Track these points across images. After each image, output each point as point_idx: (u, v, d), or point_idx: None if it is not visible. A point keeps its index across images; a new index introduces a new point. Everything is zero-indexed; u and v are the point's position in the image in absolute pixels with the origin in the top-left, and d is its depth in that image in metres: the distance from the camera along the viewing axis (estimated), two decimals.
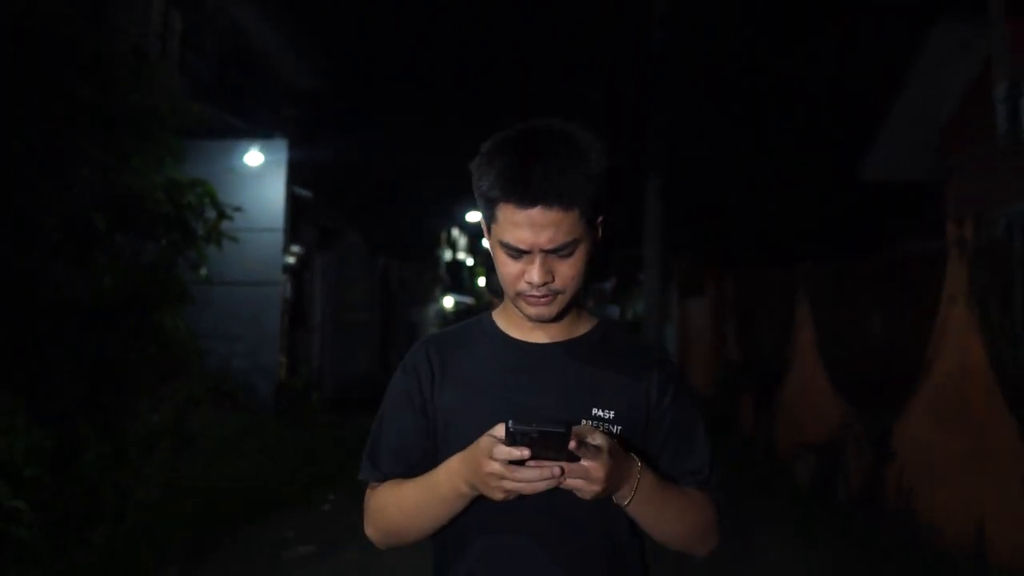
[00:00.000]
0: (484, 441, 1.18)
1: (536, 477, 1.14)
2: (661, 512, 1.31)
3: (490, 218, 1.28)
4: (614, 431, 1.30)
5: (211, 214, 6.92)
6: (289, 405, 8.94)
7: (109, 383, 6.09)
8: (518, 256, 1.25)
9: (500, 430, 1.16)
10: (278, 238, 9.07)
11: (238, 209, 6.96)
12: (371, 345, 14.80)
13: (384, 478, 1.38)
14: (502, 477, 1.15)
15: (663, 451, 1.36)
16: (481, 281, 33.41)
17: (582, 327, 1.40)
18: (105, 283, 6.24)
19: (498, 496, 1.18)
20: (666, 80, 13.78)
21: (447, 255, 26.87)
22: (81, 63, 5.82)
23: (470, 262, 32.76)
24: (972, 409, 4.61)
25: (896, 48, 10.13)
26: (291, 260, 9.96)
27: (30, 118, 5.47)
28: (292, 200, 9.33)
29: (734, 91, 13.23)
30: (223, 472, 6.30)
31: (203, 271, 7.12)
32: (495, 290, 3.07)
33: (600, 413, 1.32)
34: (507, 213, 1.23)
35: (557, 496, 1.21)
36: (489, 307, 3.55)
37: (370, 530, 1.42)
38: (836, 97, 12.78)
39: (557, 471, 1.13)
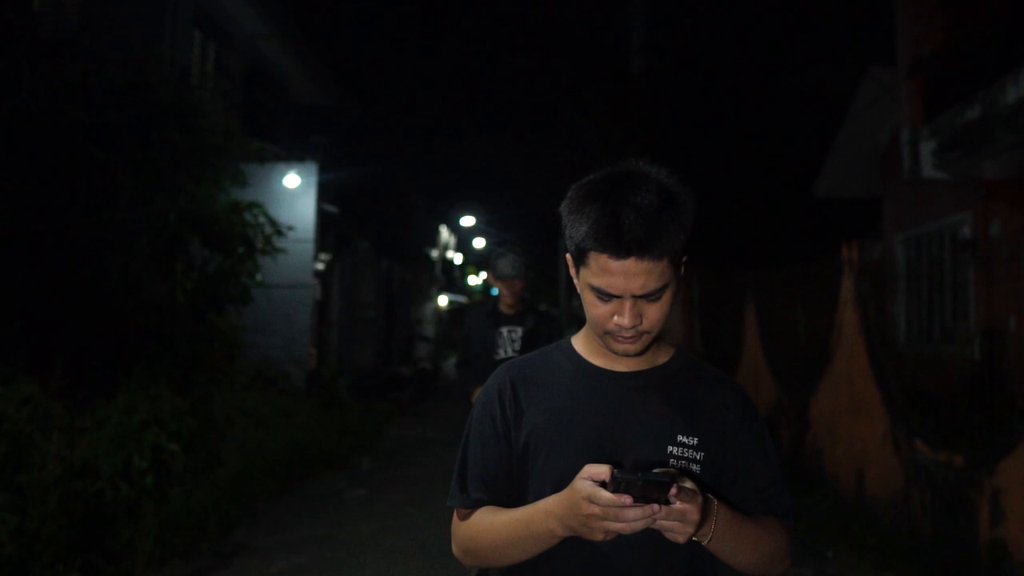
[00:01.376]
0: (583, 486, 1.19)
1: (638, 516, 1.15)
2: (738, 544, 1.32)
3: (580, 262, 1.31)
4: (698, 457, 1.34)
5: (266, 230, 8.47)
6: (319, 391, 10.48)
7: (190, 369, 7.64)
8: (608, 300, 1.29)
9: (595, 472, 1.19)
10: (309, 248, 10.61)
11: (291, 228, 8.52)
12: (377, 339, 16.36)
13: (473, 504, 1.40)
14: (604, 519, 1.16)
15: (738, 476, 1.38)
16: (471, 279, 34.88)
17: (662, 356, 1.44)
18: (186, 287, 7.78)
19: (598, 537, 1.19)
20: (645, 103, 15.39)
21: (439, 255, 28.36)
22: (175, 115, 7.37)
23: (458, 260, 34.03)
24: (855, 387, 6.24)
25: (845, 82, 11.78)
26: (320, 266, 11.51)
27: (141, 162, 7.01)
28: (320, 215, 10.87)
29: (704, 116, 14.85)
30: (278, 441, 7.84)
31: (258, 277, 8.65)
32: (501, 275, 3.89)
33: (685, 440, 1.34)
34: (600, 261, 1.26)
35: (640, 539, 1.24)
36: (486, 300, 4.58)
37: (459, 554, 1.44)
38: (794, 123, 14.40)
39: (658, 508, 1.15)
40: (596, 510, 1.16)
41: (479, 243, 31.73)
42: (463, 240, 32.15)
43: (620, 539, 1.24)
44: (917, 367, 8.86)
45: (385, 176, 17.75)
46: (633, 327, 1.29)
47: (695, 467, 1.33)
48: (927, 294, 10.22)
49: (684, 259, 1.33)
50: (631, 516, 1.15)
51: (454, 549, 1.43)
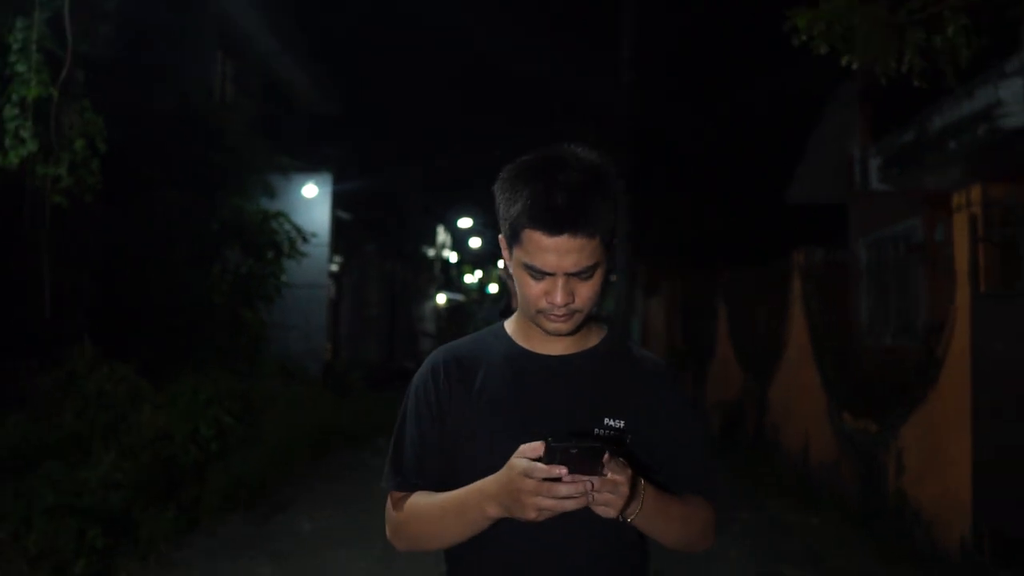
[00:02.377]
0: (517, 462, 1.20)
1: (572, 492, 1.15)
2: (665, 522, 1.34)
3: (514, 240, 1.32)
4: (626, 440, 1.34)
5: (292, 236, 9.54)
6: (334, 381, 11.55)
7: (225, 359, 8.70)
8: (541, 278, 1.30)
9: (531, 450, 1.18)
10: (325, 251, 11.68)
11: (314, 234, 9.59)
12: (382, 335, 17.43)
13: (408, 488, 1.41)
14: (537, 494, 1.16)
15: (667, 457, 1.39)
16: (467, 278, 35.91)
17: (593, 339, 1.44)
18: (222, 288, 8.84)
19: (531, 515, 1.19)
20: (632, 115, 16.47)
21: (436, 254, 29.37)
22: (216, 136, 8.43)
23: (453, 258, 34.84)
24: (802, 372, 7.35)
25: (815, 97, 12.83)
26: (334, 268, 12.58)
27: (185, 179, 8.07)
28: (334, 220, 11.94)
29: (687, 129, 15.95)
30: (307, 422, 8.90)
31: (284, 278, 9.73)
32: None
33: (612, 422, 1.35)
34: (534, 239, 1.28)
35: (567, 519, 1.24)
36: (498, 297, 5.32)
37: (391, 537, 1.45)
38: (769, 134, 15.49)
39: (591, 486, 1.15)
40: (530, 484, 1.17)
41: (475, 243, 32.71)
42: (458, 240, 33.06)
43: (552, 533, 1.28)
44: (879, 356, 9.96)
45: (387, 179, 18.79)
46: (565, 305, 1.30)
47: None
48: (886, 292, 11.32)
49: (614, 240, 1.35)
50: (562, 492, 1.15)
51: (388, 535, 1.44)
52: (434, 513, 1.36)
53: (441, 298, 26.53)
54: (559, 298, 1.29)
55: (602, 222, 1.28)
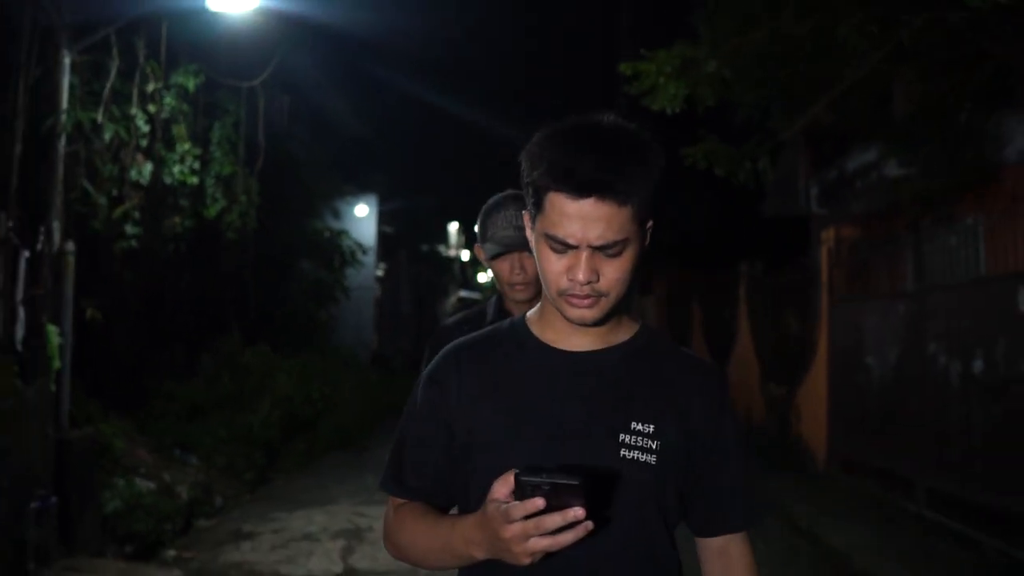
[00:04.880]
0: (494, 511, 1.07)
1: (559, 523, 1.02)
2: None
3: (537, 208, 1.18)
4: (653, 446, 1.21)
5: (352, 248, 12.06)
6: (380, 366, 14.08)
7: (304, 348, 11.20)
8: (563, 251, 1.16)
9: (504, 484, 1.07)
10: (372, 259, 14.20)
11: (370, 247, 12.12)
12: (410, 329, 19.98)
13: (407, 495, 1.30)
14: (526, 538, 1.04)
15: (702, 468, 1.26)
16: (481, 277, 38.34)
17: (623, 333, 1.28)
18: (302, 290, 11.37)
19: (524, 561, 1.07)
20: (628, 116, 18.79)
21: (452, 253, 31.83)
22: (299, 170, 10.93)
23: (465, 257, 36.95)
24: (746, 358, 9.80)
25: None
26: (380, 274, 15.13)
27: (277, 206, 10.57)
28: (380, 234, 14.48)
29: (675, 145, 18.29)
30: (369, 394, 11.39)
31: (345, 283, 12.26)
32: (501, 243, 2.08)
33: (639, 427, 1.21)
34: (557, 204, 1.14)
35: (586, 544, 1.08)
36: (480, 309, 3.91)
37: (384, 540, 1.35)
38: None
39: (581, 513, 1.02)
40: (516, 529, 1.04)
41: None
42: (473, 240, 35.09)
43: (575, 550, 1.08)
44: None
45: (416, 194, 21.28)
46: (589, 283, 1.15)
47: (650, 457, 1.20)
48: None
49: (650, 224, 1.20)
50: (550, 524, 1.02)
51: (384, 541, 1.35)
52: (426, 539, 1.25)
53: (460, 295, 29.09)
54: (582, 274, 1.14)
55: (635, 190, 1.13)
